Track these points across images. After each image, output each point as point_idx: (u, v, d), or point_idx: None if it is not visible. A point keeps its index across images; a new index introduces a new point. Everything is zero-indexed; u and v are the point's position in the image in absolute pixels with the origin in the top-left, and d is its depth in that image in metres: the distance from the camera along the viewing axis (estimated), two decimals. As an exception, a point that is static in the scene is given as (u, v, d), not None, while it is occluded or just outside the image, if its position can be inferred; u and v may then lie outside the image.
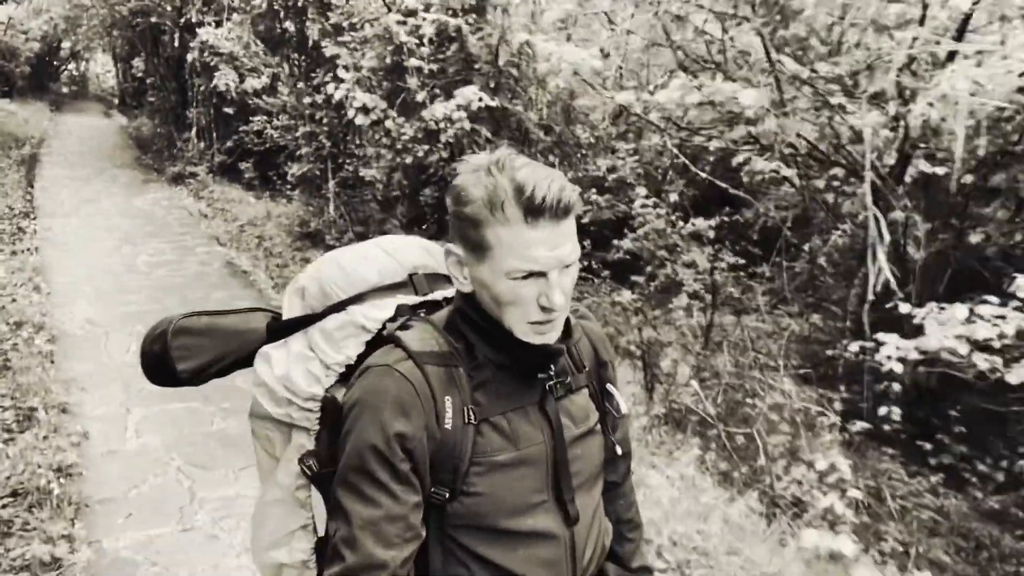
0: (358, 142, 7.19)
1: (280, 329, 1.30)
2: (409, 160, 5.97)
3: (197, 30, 10.15)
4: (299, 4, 7.09)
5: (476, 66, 5.65)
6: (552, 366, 1.18)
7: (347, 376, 1.19)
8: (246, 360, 1.33)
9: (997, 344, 3.28)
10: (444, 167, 5.87)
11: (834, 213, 5.61)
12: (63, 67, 27.13)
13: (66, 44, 24.64)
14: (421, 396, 1.09)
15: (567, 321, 1.17)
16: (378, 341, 1.19)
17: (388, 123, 5.93)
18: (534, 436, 1.15)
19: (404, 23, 5.55)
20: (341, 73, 6.06)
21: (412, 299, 1.27)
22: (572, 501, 1.18)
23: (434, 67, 5.67)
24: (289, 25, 7.66)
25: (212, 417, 4.32)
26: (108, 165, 12.85)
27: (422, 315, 1.21)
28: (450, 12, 5.65)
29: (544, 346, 1.13)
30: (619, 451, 1.30)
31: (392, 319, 1.22)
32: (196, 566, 3.08)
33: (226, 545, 3.21)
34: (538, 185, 1.02)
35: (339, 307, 1.27)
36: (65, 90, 26.30)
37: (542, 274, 1.06)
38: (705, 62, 5.69)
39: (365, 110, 5.99)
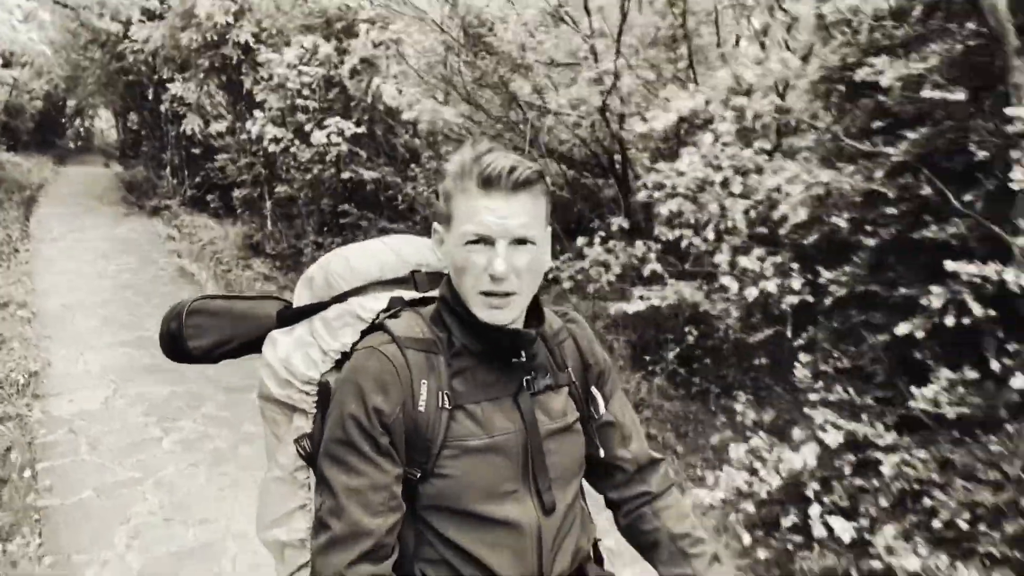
0: (283, 167, 9.00)
1: (289, 316, 1.37)
2: (309, 177, 7.78)
3: (167, 85, 12.10)
4: (234, 62, 8.97)
5: (353, 103, 7.49)
6: (523, 352, 1.23)
7: (342, 363, 1.26)
8: (257, 343, 1.40)
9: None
10: (333, 180, 7.67)
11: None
12: (68, 123, 29.26)
13: (71, 102, 26.95)
14: (400, 376, 1.16)
15: (538, 310, 1.26)
16: (372, 330, 1.26)
17: (292, 149, 7.77)
18: (506, 425, 1.20)
19: (298, 74, 7.42)
20: (256, 113, 7.92)
21: (411, 294, 1.34)
22: (549, 490, 1.22)
23: (323, 105, 7.52)
24: (231, 77, 9.56)
25: (141, 356, 6.06)
26: (97, 204, 14.76)
27: (411, 308, 1.27)
28: (334, 64, 7.51)
29: (513, 330, 1.19)
30: (601, 453, 1.32)
31: (386, 310, 1.29)
32: (109, 424, 4.80)
33: (128, 412, 4.95)
34: (496, 160, 1.12)
35: (342, 298, 1.34)
36: (71, 145, 28.18)
37: (492, 244, 1.13)
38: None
39: (276, 140, 7.84)
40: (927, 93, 3.08)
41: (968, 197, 3.08)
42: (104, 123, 32.17)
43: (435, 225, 1.22)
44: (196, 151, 12.92)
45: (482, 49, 5.31)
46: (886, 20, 3.39)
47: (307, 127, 7.32)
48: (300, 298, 1.39)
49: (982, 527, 2.70)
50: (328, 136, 7.09)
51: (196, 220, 12.59)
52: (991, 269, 2.74)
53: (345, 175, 7.34)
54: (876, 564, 2.90)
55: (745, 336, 4.27)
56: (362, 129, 7.16)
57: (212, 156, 12.48)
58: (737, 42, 5.83)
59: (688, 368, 5.07)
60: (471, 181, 1.13)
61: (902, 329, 3.07)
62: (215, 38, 8.90)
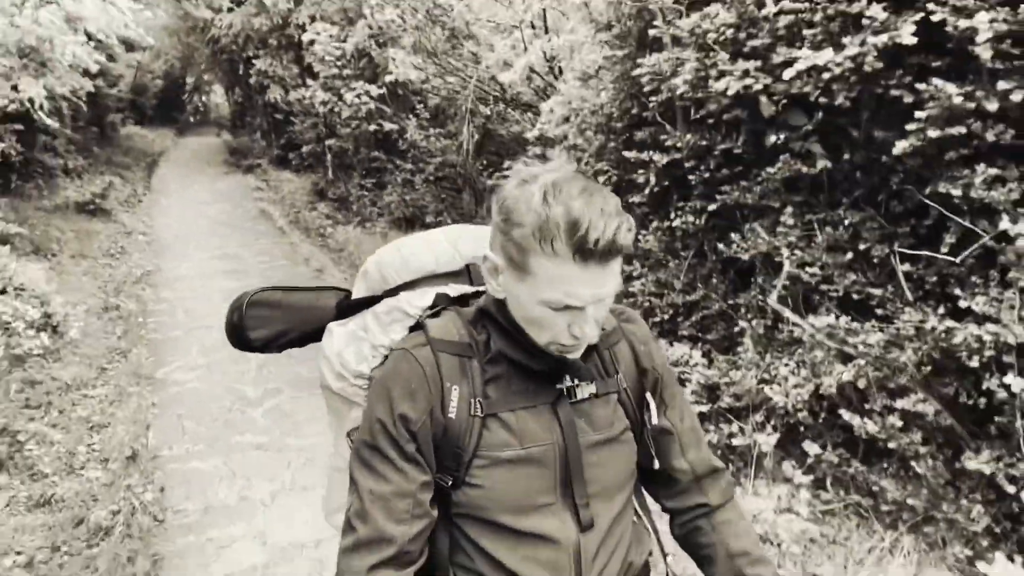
0: (333, 126, 11.11)
1: (346, 308, 1.38)
2: (348, 131, 9.82)
3: (253, 61, 14.47)
4: (296, 40, 11.10)
5: (379, 69, 9.43)
6: (568, 376, 1.19)
7: None
8: (318, 334, 1.40)
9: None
10: (367, 133, 9.67)
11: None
12: (188, 99, 32.74)
13: (190, 80, 30.31)
14: (430, 381, 1.13)
15: None
16: (416, 327, 1.24)
17: (336, 109, 9.83)
18: (542, 436, 1.15)
19: (336, 48, 9.42)
20: (310, 81, 10.01)
21: (464, 288, 1.30)
22: (586, 506, 1.17)
23: (355, 72, 9.49)
24: (297, 52, 11.75)
25: (223, 265, 8.33)
26: (205, 166, 17.57)
27: (453, 308, 1.24)
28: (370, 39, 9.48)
29: (560, 358, 1.14)
30: (655, 465, 1.27)
31: (430, 307, 1.26)
32: (196, 302, 7.07)
33: (211, 296, 7.18)
34: (593, 225, 0.99)
35: (394, 292, 1.32)
36: (190, 118, 31.70)
37: (579, 307, 1.06)
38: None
39: (324, 103, 9.91)
40: None
41: None
42: (219, 98, 35.71)
43: (489, 255, 1.12)
44: (279, 117, 15.30)
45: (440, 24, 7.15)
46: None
47: (342, 91, 9.32)
48: (357, 291, 1.40)
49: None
50: (358, 96, 9.06)
51: (280, 175, 15.04)
52: None
53: (372, 127, 9.32)
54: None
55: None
56: (383, 91, 9.09)
57: (291, 121, 14.84)
58: None
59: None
60: (562, 247, 1.01)
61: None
62: (280, 21, 11.05)
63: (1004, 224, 2.80)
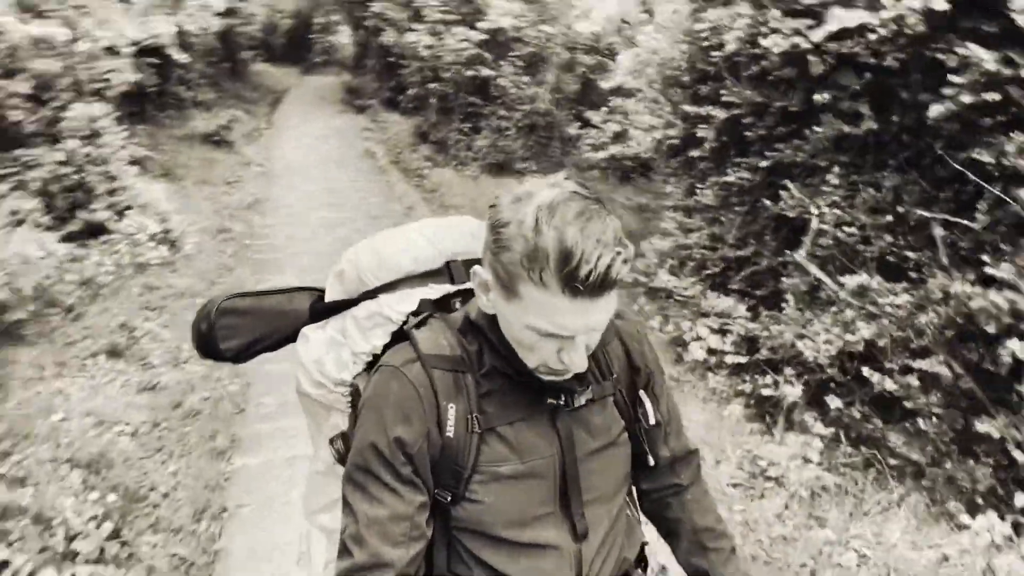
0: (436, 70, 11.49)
1: (320, 311, 1.35)
2: (449, 75, 10.18)
3: (369, 3, 15.01)
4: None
5: (478, 16, 9.68)
6: (562, 394, 1.15)
7: (374, 364, 1.20)
8: (293, 337, 1.37)
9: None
10: (466, 79, 10.00)
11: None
12: (316, 39, 34.08)
13: (319, 20, 31.53)
14: (424, 402, 1.09)
15: None
16: (400, 336, 1.20)
17: (439, 54, 10.19)
18: (542, 449, 1.14)
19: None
20: (415, 25, 10.40)
21: (444, 288, 1.25)
22: (582, 516, 1.16)
23: (457, 17, 9.78)
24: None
25: (327, 196, 8.99)
26: (323, 104, 18.51)
27: (439, 315, 1.19)
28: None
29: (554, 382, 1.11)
30: (651, 461, 1.26)
31: (415, 313, 1.21)
32: (300, 228, 7.73)
33: (311, 221, 7.84)
34: (585, 258, 0.92)
35: (372, 294, 1.28)
36: (316, 59, 33.07)
37: (568, 336, 1.01)
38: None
39: (428, 47, 10.30)
40: None
41: None
42: (346, 39, 36.90)
43: (479, 270, 1.07)
44: (391, 59, 15.84)
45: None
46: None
47: (444, 36, 9.66)
48: (332, 292, 1.35)
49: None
50: (459, 42, 9.38)
51: (389, 116, 15.65)
52: None
53: (470, 72, 9.63)
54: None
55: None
56: (484, 36, 9.35)
57: (402, 64, 15.36)
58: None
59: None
60: (551, 278, 0.95)
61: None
62: (393, -37, 11.43)
63: (1027, 192, 2.82)
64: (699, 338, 4.66)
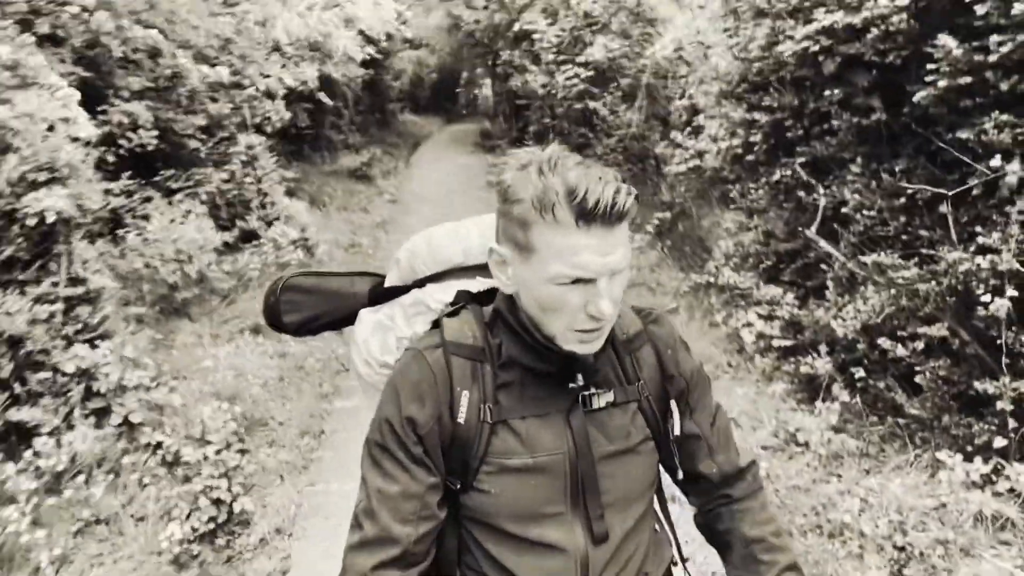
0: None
1: (378, 296, 1.40)
2: (561, 110, 11.06)
3: (499, 53, 16.35)
4: (528, 33, 12.61)
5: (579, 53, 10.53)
6: (580, 375, 1.15)
7: None
8: (352, 318, 1.43)
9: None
10: (575, 111, 10.83)
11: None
12: (461, 91, 36.37)
13: (465, 74, 33.80)
14: (440, 386, 1.13)
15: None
16: (436, 324, 1.22)
17: (552, 91, 11.12)
18: (554, 446, 1.14)
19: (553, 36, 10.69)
20: (531, 66, 11.43)
21: (490, 282, 1.27)
22: (600, 518, 1.15)
23: (567, 57, 10.68)
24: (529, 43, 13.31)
25: (446, 217, 10.09)
26: (459, 146, 20.07)
27: (472, 306, 1.22)
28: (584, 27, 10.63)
29: (570, 352, 1.10)
30: (679, 475, 1.26)
31: (452, 303, 1.25)
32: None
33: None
34: (591, 188, 0.98)
35: (422, 283, 1.34)
36: (462, 110, 35.13)
37: (590, 281, 1.02)
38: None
39: (543, 86, 11.27)
40: None
41: None
42: (488, 91, 39.08)
43: (494, 247, 1.10)
44: (519, 103, 17.06)
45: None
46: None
47: (555, 74, 10.58)
48: (390, 279, 1.40)
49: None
50: (568, 79, 10.26)
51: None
52: None
53: (579, 106, 10.45)
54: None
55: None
56: (591, 72, 10.17)
57: (527, 105, 16.53)
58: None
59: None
60: (564, 214, 0.99)
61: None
62: (516, 15, 12.59)
63: (995, 162, 3.15)
64: (749, 324, 5.07)
